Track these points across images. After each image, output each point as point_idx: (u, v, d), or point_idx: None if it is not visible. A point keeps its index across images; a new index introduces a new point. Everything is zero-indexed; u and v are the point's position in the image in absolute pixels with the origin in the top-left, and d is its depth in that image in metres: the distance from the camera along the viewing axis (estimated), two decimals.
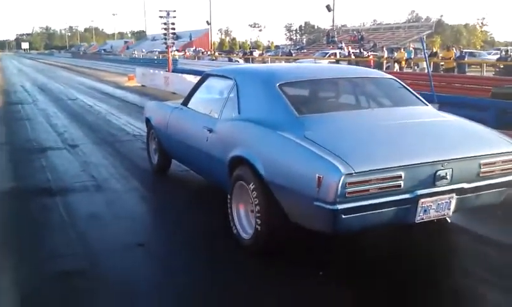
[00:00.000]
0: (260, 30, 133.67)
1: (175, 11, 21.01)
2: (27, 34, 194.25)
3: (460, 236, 4.60)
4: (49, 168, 7.01)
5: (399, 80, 4.97)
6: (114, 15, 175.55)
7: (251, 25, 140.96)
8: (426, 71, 11.18)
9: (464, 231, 4.63)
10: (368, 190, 3.30)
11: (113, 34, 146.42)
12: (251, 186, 3.89)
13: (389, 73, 14.25)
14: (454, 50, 25.66)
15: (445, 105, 6.32)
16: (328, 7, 50.72)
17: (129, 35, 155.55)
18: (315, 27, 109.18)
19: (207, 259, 4.07)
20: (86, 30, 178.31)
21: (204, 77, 5.61)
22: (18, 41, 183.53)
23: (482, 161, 3.73)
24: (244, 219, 4.19)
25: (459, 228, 4.65)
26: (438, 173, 3.52)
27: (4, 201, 5.62)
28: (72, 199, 5.59)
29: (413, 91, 4.81)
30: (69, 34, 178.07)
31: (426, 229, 4.26)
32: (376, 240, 4.35)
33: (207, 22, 61.90)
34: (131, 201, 5.60)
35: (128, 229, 4.74)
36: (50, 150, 8.24)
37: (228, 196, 4.30)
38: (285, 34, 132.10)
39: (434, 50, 29.38)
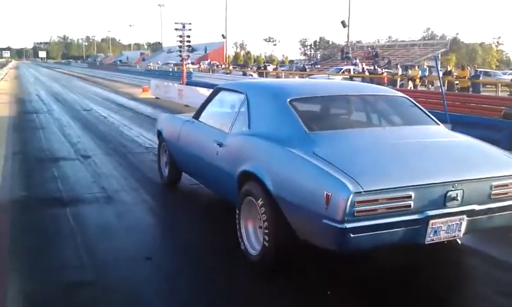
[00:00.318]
0: (275, 44, 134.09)
1: (190, 23, 21.21)
2: (45, 43, 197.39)
3: (471, 258, 4.53)
4: (61, 178, 7.04)
5: (411, 99, 4.94)
6: (131, 26, 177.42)
7: (266, 40, 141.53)
8: (440, 90, 11.12)
9: (475, 253, 4.57)
10: (377, 209, 3.27)
11: (129, 45, 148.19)
12: (260, 202, 3.88)
13: (403, 91, 14.23)
14: (469, 69, 25.54)
15: (458, 124, 6.28)
16: (343, 23, 50.81)
17: (145, 46, 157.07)
18: (330, 43, 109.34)
19: (215, 275, 4.05)
20: (102, 40, 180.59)
21: (216, 90, 5.63)
22: (36, 49, 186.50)
23: (494, 183, 3.68)
24: (252, 234, 4.17)
25: (470, 249, 4.59)
26: (449, 193, 3.47)
27: (15, 210, 5.64)
28: (82, 210, 5.61)
29: (424, 110, 4.78)
30: (86, 44, 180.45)
31: (437, 250, 4.20)
32: (386, 260, 4.30)
33: (222, 35, 62.32)
34: (141, 214, 5.61)
35: (137, 242, 4.75)
36: (62, 160, 8.30)
37: (237, 211, 4.29)
38: (300, 49, 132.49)
39: (449, 69, 29.22)
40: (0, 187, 6.57)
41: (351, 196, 3.16)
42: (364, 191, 3.20)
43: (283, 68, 51.24)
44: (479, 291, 3.91)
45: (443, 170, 3.62)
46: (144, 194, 6.34)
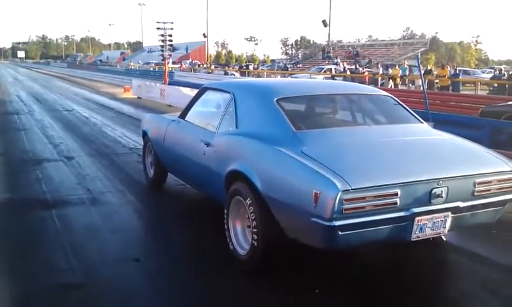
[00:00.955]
0: (256, 44, 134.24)
1: (172, 23, 21.17)
2: (24, 43, 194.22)
3: (455, 255, 4.61)
4: (45, 179, 6.98)
5: (395, 98, 5.01)
6: (110, 25, 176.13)
7: (247, 39, 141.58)
8: (421, 89, 11.27)
9: (459, 249, 4.64)
10: (364, 207, 3.32)
11: (109, 45, 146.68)
12: (248, 201, 3.90)
13: (384, 90, 14.33)
14: (449, 68, 25.88)
15: (440, 123, 6.36)
16: (324, 22, 51.08)
17: (125, 46, 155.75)
18: (311, 42, 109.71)
19: (204, 276, 4.05)
20: (82, 40, 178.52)
21: (202, 90, 5.63)
22: (14, 49, 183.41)
23: (478, 180, 3.75)
24: (241, 234, 4.19)
25: (454, 246, 4.67)
26: (434, 191, 3.54)
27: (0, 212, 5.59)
28: (68, 212, 5.56)
29: (408, 109, 4.85)
30: (65, 43, 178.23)
31: (422, 246, 4.27)
32: (372, 258, 4.37)
33: (204, 34, 62.13)
34: (126, 215, 5.59)
35: (124, 243, 4.74)
36: (46, 162, 8.21)
37: (225, 211, 4.30)
38: (281, 48, 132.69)
39: (429, 68, 29.57)
40: None
41: (340, 193, 3.20)
42: (352, 189, 3.25)
43: (264, 67, 51.25)
44: (463, 287, 3.98)
45: (428, 168, 3.69)
46: (130, 195, 6.32)
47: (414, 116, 4.74)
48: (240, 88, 4.97)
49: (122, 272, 4.11)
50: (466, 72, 34.90)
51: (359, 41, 70.42)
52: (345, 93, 5.18)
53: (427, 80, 22.65)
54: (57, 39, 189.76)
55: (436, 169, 3.67)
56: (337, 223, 3.23)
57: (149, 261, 4.37)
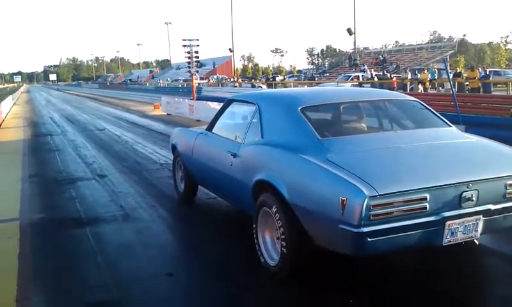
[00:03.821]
0: (282, 55, 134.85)
1: (198, 40, 21.47)
2: (55, 66, 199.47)
3: (490, 258, 4.52)
4: (79, 198, 7.14)
5: (422, 102, 4.97)
6: (139, 44, 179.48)
7: (273, 51, 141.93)
8: (451, 92, 11.13)
9: (494, 253, 4.56)
10: (393, 212, 3.30)
11: (138, 64, 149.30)
12: (274, 209, 3.92)
13: (413, 94, 14.20)
14: (479, 70, 25.44)
15: (471, 125, 6.29)
16: (349, 30, 50.82)
17: (154, 64, 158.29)
18: (337, 51, 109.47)
19: (236, 289, 4.08)
20: (111, 60, 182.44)
21: (227, 102, 5.70)
22: (46, 73, 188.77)
23: (509, 182, 3.68)
24: (270, 245, 4.20)
25: (489, 250, 4.58)
26: (464, 194, 3.49)
27: (36, 232, 5.71)
28: (102, 229, 5.68)
29: (436, 113, 4.80)
30: (95, 64, 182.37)
31: (455, 251, 4.20)
32: (404, 264, 4.31)
33: (230, 49, 62.58)
34: (159, 230, 5.66)
35: (157, 258, 4.79)
36: (79, 181, 8.39)
37: (253, 225, 4.32)
38: (307, 58, 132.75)
39: (458, 70, 29.14)
40: (19, 209, 6.67)
41: (366, 200, 3.20)
42: (379, 195, 3.23)
43: (292, 78, 51.31)
44: (500, 291, 3.90)
45: (457, 171, 3.64)
46: (162, 210, 6.41)
47: (442, 119, 4.68)
48: (265, 99, 5.02)
49: (155, 287, 4.15)
50: (496, 73, 34.11)
51: (386, 47, 69.56)
52: (370, 99, 5.16)
53: (456, 83, 22.33)
54: (87, 61, 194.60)
55: (465, 172, 3.62)
56: (365, 229, 3.22)
57: (182, 276, 4.42)
